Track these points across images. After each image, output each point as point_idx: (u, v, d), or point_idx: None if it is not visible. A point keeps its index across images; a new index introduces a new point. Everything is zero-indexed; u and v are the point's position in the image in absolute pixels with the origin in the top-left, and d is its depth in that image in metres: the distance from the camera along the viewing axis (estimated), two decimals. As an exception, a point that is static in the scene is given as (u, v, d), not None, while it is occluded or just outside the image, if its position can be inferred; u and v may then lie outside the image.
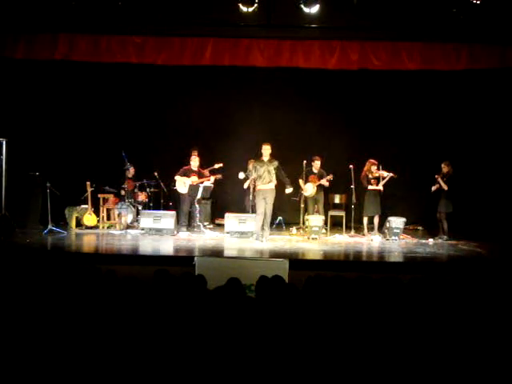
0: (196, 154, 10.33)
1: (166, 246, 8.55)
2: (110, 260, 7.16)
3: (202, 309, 3.47)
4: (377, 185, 9.86)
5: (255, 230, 8.96)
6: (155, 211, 9.83)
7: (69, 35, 9.27)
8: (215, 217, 11.19)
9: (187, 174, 9.84)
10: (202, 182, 9.89)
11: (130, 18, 8.98)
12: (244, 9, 8.55)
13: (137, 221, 10.14)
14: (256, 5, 8.52)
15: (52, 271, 4.65)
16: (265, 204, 8.74)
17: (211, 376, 2.83)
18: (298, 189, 10.32)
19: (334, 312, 3.51)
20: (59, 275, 4.39)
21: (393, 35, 9.28)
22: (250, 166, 9.73)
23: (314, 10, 8.67)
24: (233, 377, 2.83)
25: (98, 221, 10.00)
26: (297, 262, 7.07)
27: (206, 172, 10.14)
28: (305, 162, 9.95)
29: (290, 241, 9.23)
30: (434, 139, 11.08)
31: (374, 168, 9.87)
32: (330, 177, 10.04)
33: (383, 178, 9.88)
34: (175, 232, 9.46)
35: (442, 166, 9.59)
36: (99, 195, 10.10)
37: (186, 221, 9.89)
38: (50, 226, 9.27)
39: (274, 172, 8.75)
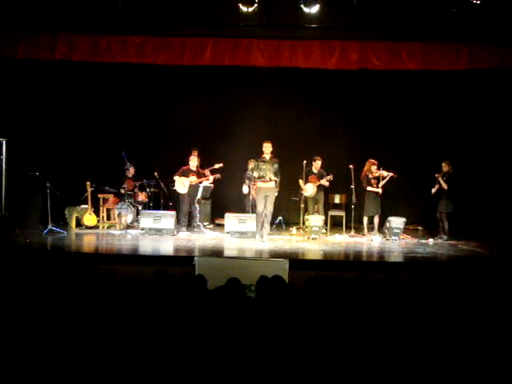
0: (196, 154, 10.34)
1: (166, 246, 8.54)
2: (109, 260, 7.15)
3: (202, 309, 3.47)
4: (377, 185, 9.87)
5: (256, 231, 8.94)
6: (155, 211, 9.83)
7: (69, 35, 9.27)
8: (215, 217, 11.19)
9: (186, 174, 9.84)
10: (200, 182, 9.89)
11: (130, 18, 8.98)
12: (244, 9, 8.54)
13: (137, 221, 10.14)
14: (256, 5, 8.52)
15: (52, 271, 4.65)
16: (265, 202, 8.71)
17: (211, 376, 2.83)
18: (298, 189, 10.33)
19: (334, 312, 3.51)
20: (59, 275, 4.39)
21: (393, 35, 9.27)
22: (251, 166, 9.74)
23: (314, 10, 8.66)
24: (233, 377, 2.82)
25: (98, 221, 10.00)
26: (297, 261, 7.07)
27: (206, 172, 10.15)
28: (305, 161, 9.94)
29: (290, 241, 9.23)
30: (434, 139, 11.09)
31: (374, 168, 9.87)
32: (330, 177, 10.04)
33: (383, 178, 9.88)
34: (175, 232, 9.46)
35: (443, 165, 9.59)
36: (99, 195, 10.11)
37: (186, 221, 9.89)
38: (49, 226, 9.27)
39: (274, 170, 8.73)
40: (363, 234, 9.93)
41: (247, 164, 10.23)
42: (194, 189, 9.83)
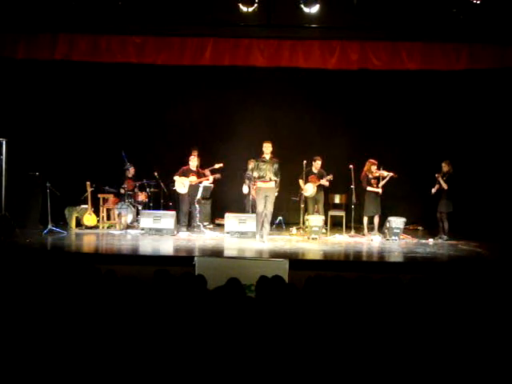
0: (196, 154, 10.34)
1: (166, 246, 8.54)
2: (109, 260, 7.15)
3: (202, 309, 3.47)
4: (377, 185, 9.87)
5: (257, 231, 8.93)
6: (155, 211, 9.82)
7: (69, 35, 9.27)
8: (215, 217, 11.19)
9: (186, 174, 9.84)
10: (200, 182, 9.89)
11: (130, 17, 8.99)
12: (244, 9, 8.55)
13: (137, 221, 10.14)
14: (256, 5, 8.52)
15: (52, 271, 4.65)
16: (265, 202, 8.71)
17: (211, 376, 2.83)
18: (298, 189, 10.33)
19: (334, 312, 3.51)
20: (59, 275, 4.39)
21: (393, 35, 9.27)
22: (251, 166, 9.74)
23: (314, 10, 8.67)
24: (233, 377, 2.82)
25: (98, 221, 10.00)
26: (297, 261, 7.07)
27: (206, 172, 10.15)
28: (305, 161, 9.94)
29: (290, 241, 9.23)
30: (434, 139, 11.09)
31: (374, 168, 9.88)
32: (330, 177, 10.03)
33: (383, 178, 9.89)
34: (175, 232, 9.46)
35: (443, 165, 9.59)
36: (99, 195, 10.11)
37: (186, 221, 9.89)
38: (49, 226, 9.27)
39: (274, 170, 8.73)
40: (363, 234, 9.93)
41: (247, 164, 10.23)
42: (194, 189, 9.83)
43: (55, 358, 2.91)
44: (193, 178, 9.84)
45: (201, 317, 3.33)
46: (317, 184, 10.03)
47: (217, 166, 10.19)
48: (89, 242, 8.95)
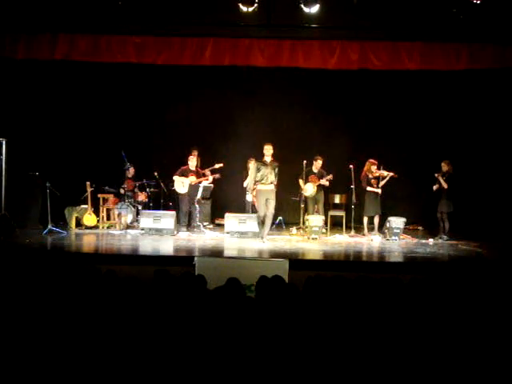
0: (196, 153, 10.35)
1: (166, 246, 8.54)
2: (109, 260, 7.15)
3: (202, 309, 3.47)
4: (377, 185, 9.87)
5: (262, 234, 8.91)
6: (155, 211, 9.82)
7: (69, 35, 9.27)
8: (215, 217, 11.19)
9: (185, 174, 9.84)
10: (200, 182, 9.89)
11: (130, 17, 8.99)
12: (244, 9, 8.55)
13: (137, 221, 10.14)
14: (256, 5, 8.52)
15: (52, 271, 4.65)
16: (265, 205, 8.71)
17: (211, 376, 2.83)
18: (298, 189, 10.33)
19: (334, 312, 3.51)
20: (59, 275, 4.39)
21: (393, 35, 9.28)
22: (250, 165, 9.74)
23: (314, 9, 8.67)
24: (233, 377, 2.82)
25: (98, 221, 10.01)
26: (297, 261, 7.07)
27: (206, 172, 10.14)
28: (305, 161, 9.94)
29: (290, 241, 9.23)
30: (434, 139, 11.08)
31: (373, 168, 9.88)
32: (330, 177, 10.03)
33: (383, 178, 9.89)
34: (175, 232, 9.46)
35: (442, 164, 9.59)
36: (99, 195, 10.11)
37: (186, 221, 9.89)
38: (49, 226, 9.27)
39: (275, 173, 8.74)
40: (363, 234, 9.93)
41: (247, 163, 10.23)
42: (193, 189, 9.83)
43: (55, 358, 2.91)
44: (192, 178, 9.84)
45: (201, 317, 3.33)
46: (317, 184, 10.03)
47: (217, 165, 10.18)
48: (89, 242, 8.95)
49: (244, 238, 9.28)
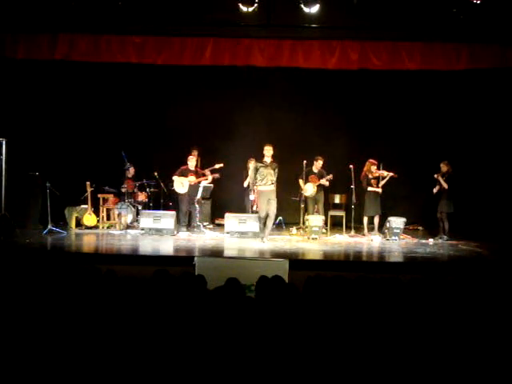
0: (195, 153, 10.35)
1: (166, 246, 8.54)
2: (109, 260, 7.15)
3: (202, 309, 3.47)
4: (377, 185, 9.87)
5: (264, 234, 8.90)
6: (155, 211, 9.82)
7: (69, 35, 9.27)
8: (215, 217, 11.19)
9: (185, 173, 9.84)
10: (199, 182, 9.89)
11: (130, 17, 8.99)
12: (244, 9, 8.55)
13: (137, 221, 10.14)
14: (256, 5, 8.52)
15: (52, 271, 4.65)
16: (267, 205, 8.72)
17: (211, 376, 2.83)
18: (298, 189, 10.33)
19: (334, 312, 3.51)
20: (59, 275, 4.39)
21: (393, 35, 9.28)
22: (250, 165, 9.74)
23: (314, 9, 8.67)
24: (232, 377, 2.82)
25: (98, 221, 10.00)
26: (297, 262, 7.07)
27: (206, 172, 10.14)
28: (305, 161, 9.94)
29: (290, 241, 9.23)
30: (434, 139, 11.08)
31: (373, 168, 9.88)
32: (330, 176, 10.04)
33: (383, 178, 9.89)
34: (175, 232, 9.45)
35: (441, 165, 9.59)
36: (99, 195, 10.11)
37: (186, 221, 9.88)
38: (49, 226, 9.27)
39: (275, 174, 8.74)
40: (363, 234, 9.93)
41: (247, 163, 10.23)
42: (193, 189, 9.83)
43: (55, 358, 2.91)
44: (192, 178, 9.84)
45: (201, 317, 3.33)
46: (317, 184, 10.03)
47: (217, 166, 10.18)
48: (89, 242, 8.95)
49: (244, 237, 9.28)
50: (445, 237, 9.51)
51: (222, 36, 9.41)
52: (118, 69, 10.30)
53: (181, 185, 9.78)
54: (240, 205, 10.67)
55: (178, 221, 9.63)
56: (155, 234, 9.35)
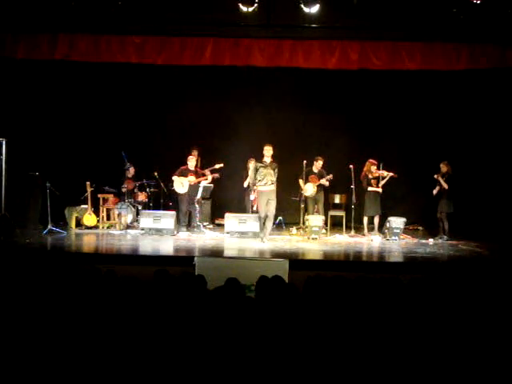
0: (196, 154, 10.35)
1: (166, 246, 8.54)
2: (109, 260, 7.15)
3: (202, 309, 3.47)
4: (377, 185, 9.87)
5: (264, 234, 8.89)
6: (155, 211, 9.82)
7: (69, 35, 9.27)
8: (215, 217, 11.19)
9: (184, 173, 9.83)
10: (199, 182, 9.89)
11: (130, 17, 8.99)
12: (244, 9, 8.55)
13: (137, 221, 10.14)
14: (256, 5, 8.52)
15: (52, 271, 4.65)
16: (267, 205, 8.72)
17: (211, 376, 2.83)
18: (298, 189, 10.33)
19: (334, 312, 3.51)
20: (59, 275, 4.39)
21: (393, 35, 9.28)
22: (250, 165, 9.74)
23: (314, 9, 8.67)
24: (232, 377, 2.82)
25: (98, 221, 10.00)
26: (297, 262, 7.07)
27: (206, 171, 10.14)
28: (305, 161, 9.94)
29: (290, 241, 9.23)
30: (434, 139, 11.08)
31: (373, 168, 9.87)
32: (330, 176, 10.04)
33: (383, 178, 9.89)
34: (175, 232, 9.45)
35: (441, 165, 9.59)
36: (99, 195, 10.11)
37: (186, 221, 9.88)
38: (49, 226, 9.27)
39: (274, 174, 8.74)
40: (363, 234, 9.93)
41: (247, 163, 10.23)
42: (193, 189, 9.83)
43: (55, 358, 2.91)
44: (191, 178, 9.84)
45: (201, 317, 3.33)
46: (317, 184, 10.03)
47: (217, 166, 10.17)
48: (89, 241, 8.95)
49: (244, 237, 9.28)
50: (445, 237, 9.51)
51: (222, 36, 9.41)
52: (118, 69, 10.29)
53: (181, 185, 9.77)
54: (240, 205, 10.67)
55: (178, 221, 9.63)
56: (155, 234, 9.35)
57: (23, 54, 9.28)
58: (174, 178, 9.81)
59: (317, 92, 11.29)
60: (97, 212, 10.01)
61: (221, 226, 10.41)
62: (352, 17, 8.90)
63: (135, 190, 10.35)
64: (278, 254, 7.60)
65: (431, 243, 9.30)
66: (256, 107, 11.39)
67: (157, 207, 10.39)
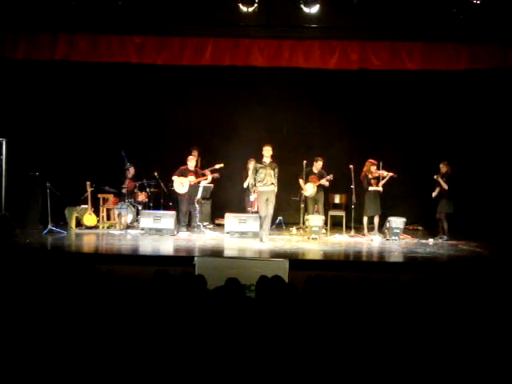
0: (196, 154, 10.35)
1: (166, 246, 8.54)
2: (109, 260, 7.15)
3: (202, 309, 3.47)
4: (377, 185, 9.87)
5: (264, 233, 8.89)
6: (155, 211, 9.82)
7: (69, 35, 9.27)
8: (215, 217, 11.19)
9: (184, 174, 9.83)
10: (199, 182, 9.89)
11: (130, 17, 8.99)
12: (244, 9, 8.55)
13: (137, 221, 10.14)
14: (256, 5, 8.52)
15: (52, 271, 4.65)
16: (266, 205, 8.72)
17: (211, 376, 2.83)
18: (298, 189, 10.33)
19: (334, 312, 3.51)
20: (59, 275, 4.39)
21: (393, 35, 9.28)
22: (250, 166, 9.74)
23: (314, 10, 8.67)
24: (232, 377, 2.82)
25: (98, 221, 10.00)
26: (297, 262, 7.07)
27: (206, 171, 10.14)
28: (305, 162, 9.94)
29: (290, 241, 9.23)
30: (434, 139, 11.08)
31: (373, 168, 9.87)
32: (330, 177, 10.04)
33: (383, 178, 9.88)
34: (175, 232, 9.45)
35: (441, 166, 9.58)
36: (99, 195, 10.11)
37: (186, 221, 9.89)
38: (49, 226, 9.27)
39: (274, 174, 8.75)
40: (363, 234, 9.92)
41: (246, 163, 10.24)
42: (193, 189, 9.83)
43: (55, 358, 2.91)
44: (191, 178, 9.84)
45: (201, 317, 3.33)
46: (317, 184, 10.03)
47: (217, 166, 10.17)
48: (89, 241, 8.95)
49: (244, 237, 9.28)
50: (445, 237, 9.50)
51: (221, 36, 9.41)
52: (118, 69, 10.29)
53: (181, 185, 9.77)
54: (240, 205, 10.67)
55: (178, 221, 9.63)
56: (155, 233, 9.35)
57: (23, 54, 9.28)
58: (174, 178, 9.81)
59: (317, 92, 11.28)
60: (97, 212, 10.01)
61: (221, 225, 10.41)
62: (352, 17, 8.90)
63: (135, 190, 10.34)
64: (278, 254, 7.60)
65: (431, 243, 9.30)
66: (256, 107, 11.38)
67: (157, 207, 10.39)
